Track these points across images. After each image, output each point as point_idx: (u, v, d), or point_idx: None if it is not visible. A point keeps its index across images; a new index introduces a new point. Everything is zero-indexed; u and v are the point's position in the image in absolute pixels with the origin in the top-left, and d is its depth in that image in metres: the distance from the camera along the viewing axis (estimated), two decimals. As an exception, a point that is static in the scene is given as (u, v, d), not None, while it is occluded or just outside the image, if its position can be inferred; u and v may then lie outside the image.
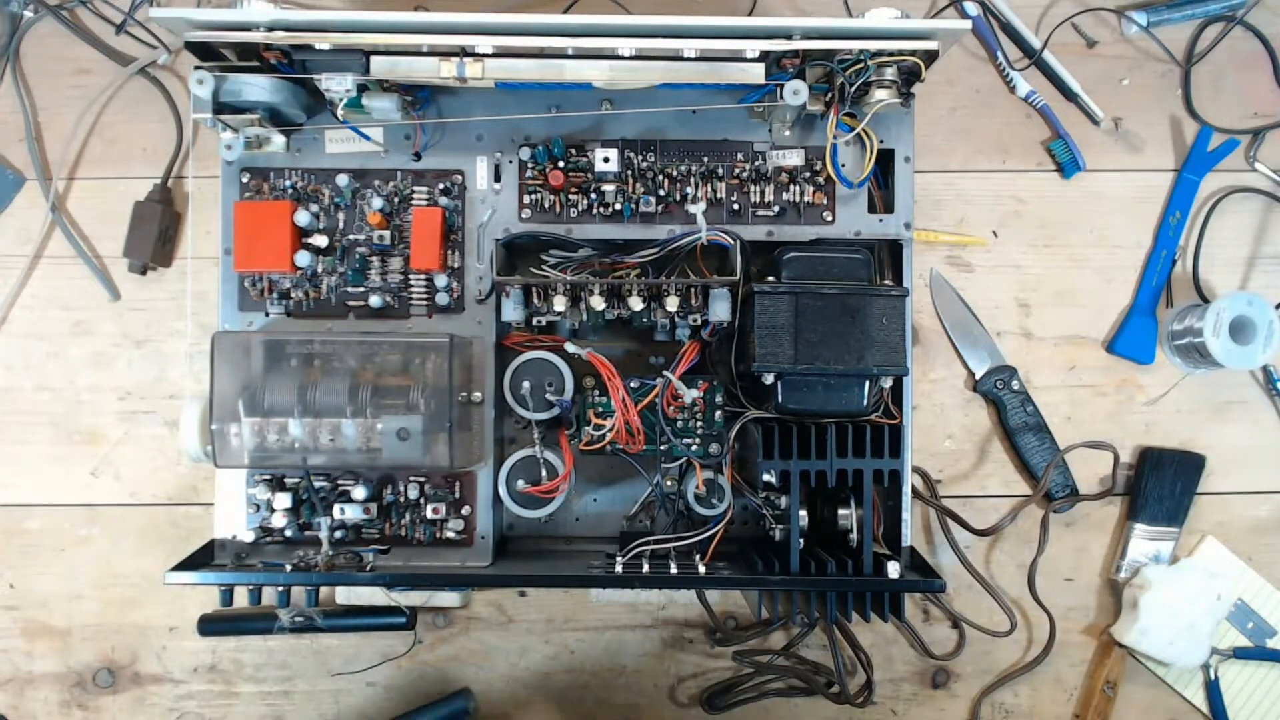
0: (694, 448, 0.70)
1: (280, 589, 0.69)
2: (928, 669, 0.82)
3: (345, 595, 0.75)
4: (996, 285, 0.82)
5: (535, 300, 0.68)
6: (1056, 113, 0.82)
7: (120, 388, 0.81)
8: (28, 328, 0.81)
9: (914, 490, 0.75)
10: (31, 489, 0.81)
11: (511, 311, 0.68)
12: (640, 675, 0.82)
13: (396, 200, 0.72)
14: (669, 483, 0.72)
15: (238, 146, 0.69)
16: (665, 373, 0.68)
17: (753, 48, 0.63)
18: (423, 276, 0.72)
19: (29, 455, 0.81)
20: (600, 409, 0.69)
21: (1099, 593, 0.82)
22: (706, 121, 0.72)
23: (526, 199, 0.72)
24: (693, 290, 0.68)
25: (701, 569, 0.67)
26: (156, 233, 0.79)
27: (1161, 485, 0.80)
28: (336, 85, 0.64)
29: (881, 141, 0.71)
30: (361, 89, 0.66)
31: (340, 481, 0.71)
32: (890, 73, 0.66)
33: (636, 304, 0.68)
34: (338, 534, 0.71)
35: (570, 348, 0.69)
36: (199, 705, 0.81)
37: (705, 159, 0.72)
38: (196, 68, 0.65)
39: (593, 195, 0.72)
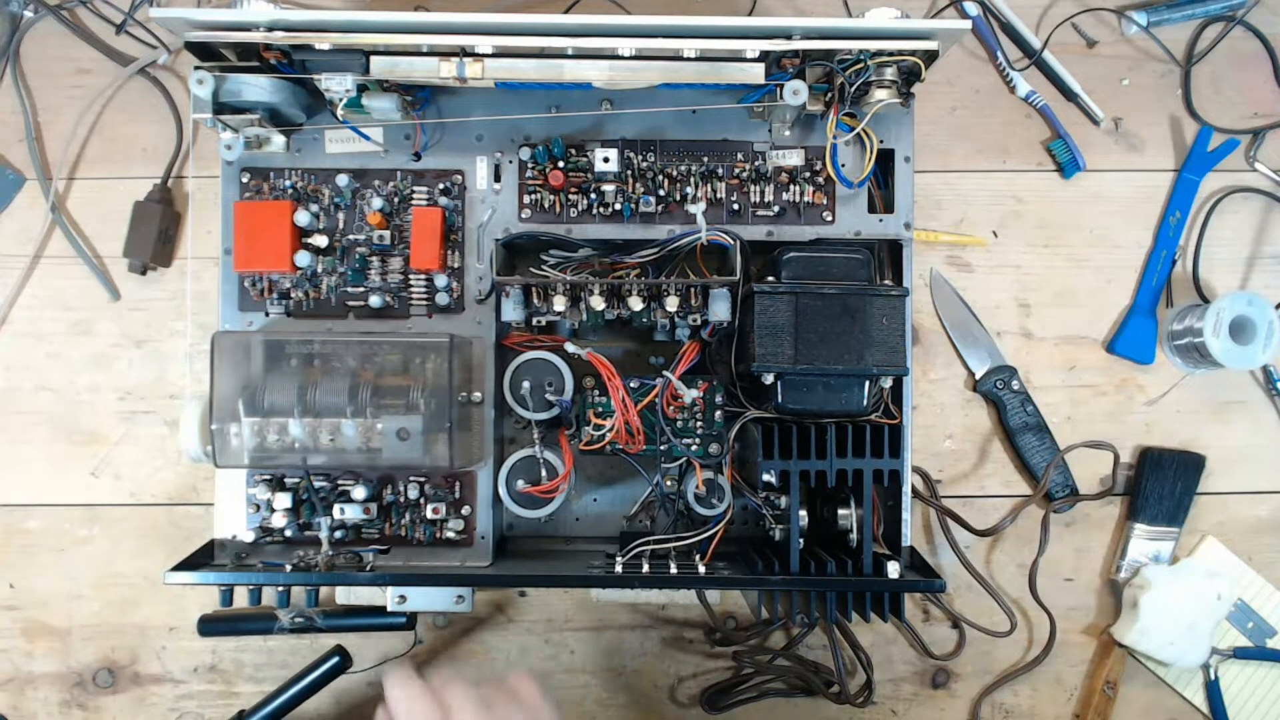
0: (694, 448, 0.70)
1: (280, 589, 0.69)
2: (928, 669, 0.82)
3: (345, 595, 0.75)
4: (996, 285, 0.82)
5: (535, 300, 0.68)
6: (1056, 113, 0.82)
7: (120, 388, 0.81)
8: (28, 328, 0.81)
9: (914, 490, 0.75)
10: (31, 489, 0.81)
11: (511, 311, 0.68)
12: (640, 675, 0.82)
13: (396, 200, 0.72)
14: (669, 483, 0.72)
15: (238, 146, 0.69)
16: (665, 373, 0.68)
17: (753, 48, 0.63)
18: (423, 276, 0.72)
19: (29, 455, 0.81)
20: (600, 409, 0.69)
21: (1099, 593, 0.82)
22: (706, 121, 0.72)
23: (526, 199, 0.72)
24: (693, 290, 0.68)
25: (701, 569, 0.67)
26: (156, 233, 0.79)
27: (1161, 485, 0.80)
28: (336, 85, 0.64)
29: (881, 141, 0.71)
30: (361, 89, 0.66)
31: (340, 481, 0.71)
32: (890, 73, 0.66)
33: (636, 304, 0.68)
34: (338, 534, 0.71)
35: (570, 348, 0.69)
36: (199, 705, 0.81)
37: (705, 159, 0.72)
38: (196, 68, 0.65)
39: (593, 195, 0.72)
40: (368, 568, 0.67)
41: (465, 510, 0.72)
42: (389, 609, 0.69)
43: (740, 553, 0.73)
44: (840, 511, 0.69)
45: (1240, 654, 0.81)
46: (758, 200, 0.72)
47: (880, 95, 0.66)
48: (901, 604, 0.68)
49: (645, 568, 0.67)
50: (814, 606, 0.68)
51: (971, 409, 0.83)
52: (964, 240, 0.82)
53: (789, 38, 0.63)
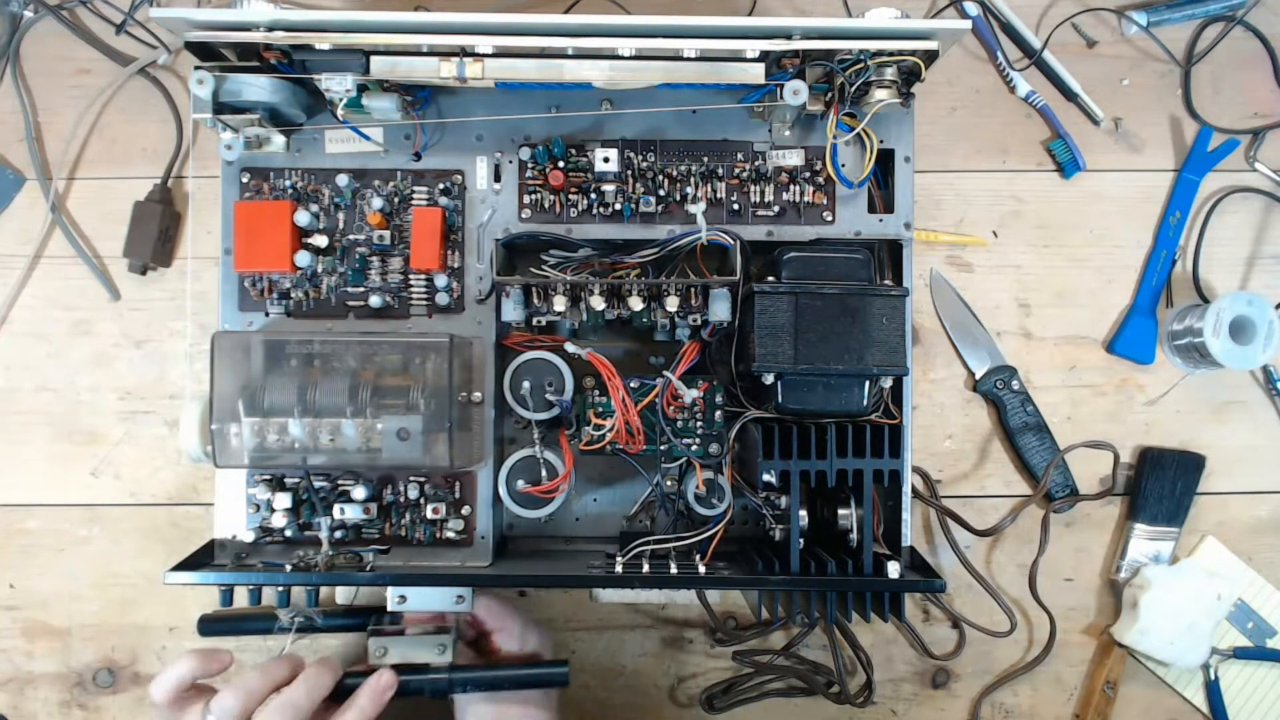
0: (694, 448, 0.70)
1: (280, 589, 0.69)
2: (928, 669, 0.82)
3: (345, 595, 0.75)
4: (996, 285, 0.82)
5: (535, 300, 0.68)
6: (1056, 113, 0.82)
7: (120, 388, 0.81)
8: (28, 328, 0.81)
9: (914, 490, 0.75)
10: (31, 489, 0.81)
11: (511, 311, 0.68)
12: (640, 675, 0.82)
13: (396, 200, 0.72)
14: (669, 483, 0.72)
15: (238, 146, 0.69)
16: (665, 373, 0.68)
17: (753, 48, 0.63)
18: (423, 276, 0.72)
19: (29, 455, 0.81)
20: (600, 409, 0.69)
21: (1099, 593, 0.82)
22: (706, 121, 0.72)
23: (526, 199, 0.72)
24: (693, 290, 0.68)
25: (701, 569, 0.67)
26: (156, 233, 0.79)
27: (1161, 485, 0.80)
28: (336, 85, 0.64)
29: (881, 141, 0.71)
30: (361, 89, 0.66)
31: (340, 481, 0.71)
32: (890, 73, 0.66)
33: (636, 304, 0.68)
34: (338, 534, 0.71)
35: (570, 348, 0.69)
36: (199, 705, 0.81)
37: (705, 159, 0.72)
38: (196, 68, 0.65)
39: (593, 195, 0.72)
40: (368, 568, 0.67)
41: (465, 510, 0.72)
42: (389, 609, 0.69)
43: (740, 553, 0.73)
44: (840, 511, 0.69)
45: (1240, 654, 0.81)
46: (758, 200, 0.72)
47: (880, 95, 0.66)
48: (901, 604, 0.68)
49: (645, 568, 0.67)
50: (814, 606, 0.68)
51: (971, 409, 0.83)
52: (964, 240, 0.82)
53: (789, 38, 0.63)
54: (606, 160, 0.70)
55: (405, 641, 0.69)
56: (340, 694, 0.66)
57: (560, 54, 0.63)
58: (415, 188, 0.72)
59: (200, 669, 0.63)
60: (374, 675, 0.66)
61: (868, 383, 0.66)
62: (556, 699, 0.73)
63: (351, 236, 0.72)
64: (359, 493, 0.71)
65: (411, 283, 0.72)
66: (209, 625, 0.73)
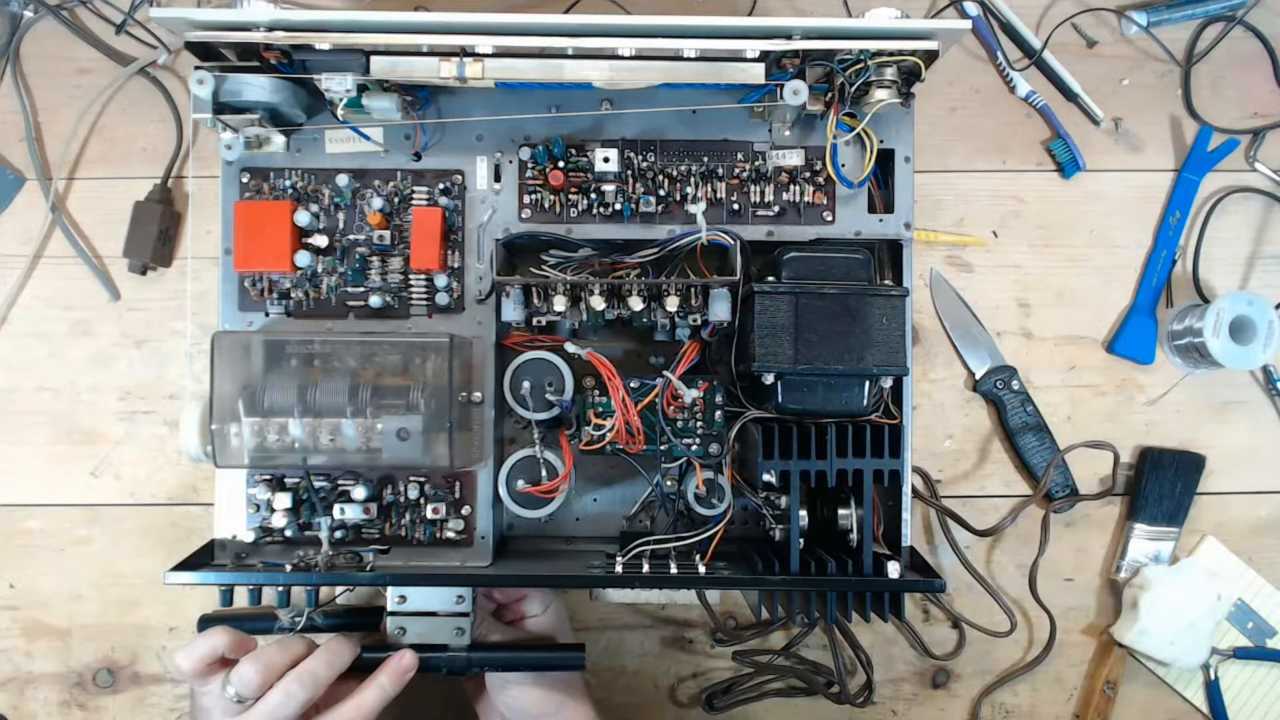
0: (694, 448, 0.69)
1: (280, 589, 0.69)
2: (928, 669, 0.82)
3: (345, 595, 0.75)
4: (996, 285, 0.82)
5: (535, 300, 0.68)
6: (1056, 113, 0.82)
7: (120, 388, 0.81)
8: (28, 328, 0.81)
9: (914, 490, 0.75)
10: (31, 489, 0.81)
11: (511, 311, 0.68)
12: (640, 675, 0.82)
13: (396, 200, 0.72)
14: (669, 483, 0.72)
15: (238, 146, 0.69)
16: (665, 373, 0.68)
17: (753, 48, 0.63)
18: (423, 276, 0.72)
19: (29, 455, 0.81)
20: (600, 409, 0.69)
21: (1099, 593, 0.82)
22: (706, 121, 0.72)
23: (526, 199, 0.72)
24: (693, 290, 0.68)
25: (701, 569, 0.67)
26: (156, 233, 0.79)
27: (1161, 485, 0.80)
28: (336, 85, 0.64)
29: (881, 141, 0.71)
30: (361, 89, 0.66)
31: (340, 481, 0.71)
32: (890, 73, 0.66)
33: (636, 304, 0.68)
34: (338, 534, 0.71)
35: (570, 348, 0.69)
36: (199, 705, 0.81)
37: (705, 159, 0.72)
38: (196, 68, 0.65)
39: (593, 195, 0.72)
40: (368, 568, 0.67)
41: (465, 510, 0.72)
42: (389, 609, 0.69)
43: (740, 553, 0.73)
44: (840, 511, 0.69)
45: (1240, 654, 0.81)
46: (758, 200, 0.72)
47: (880, 95, 0.66)
48: (901, 604, 0.68)
49: (645, 568, 0.67)
50: (814, 606, 0.68)
51: (971, 409, 0.83)
52: (964, 240, 0.82)
53: (789, 38, 0.63)
54: (606, 160, 0.70)
55: (424, 621, 0.68)
56: (357, 669, 0.66)
57: (560, 54, 0.63)
58: (415, 188, 0.72)
59: (230, 645, 0.64)
60: (395, 655, 0.66)
61: (868, 383, 0.66)
62: (582, 681, 0.73)
63: (351, 236, 0.72)
64: (359, 493, 0.71)
65: (411, 283, 0.72)
66: (209, 625, 0.73)
